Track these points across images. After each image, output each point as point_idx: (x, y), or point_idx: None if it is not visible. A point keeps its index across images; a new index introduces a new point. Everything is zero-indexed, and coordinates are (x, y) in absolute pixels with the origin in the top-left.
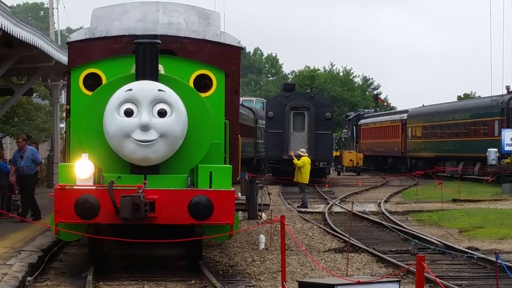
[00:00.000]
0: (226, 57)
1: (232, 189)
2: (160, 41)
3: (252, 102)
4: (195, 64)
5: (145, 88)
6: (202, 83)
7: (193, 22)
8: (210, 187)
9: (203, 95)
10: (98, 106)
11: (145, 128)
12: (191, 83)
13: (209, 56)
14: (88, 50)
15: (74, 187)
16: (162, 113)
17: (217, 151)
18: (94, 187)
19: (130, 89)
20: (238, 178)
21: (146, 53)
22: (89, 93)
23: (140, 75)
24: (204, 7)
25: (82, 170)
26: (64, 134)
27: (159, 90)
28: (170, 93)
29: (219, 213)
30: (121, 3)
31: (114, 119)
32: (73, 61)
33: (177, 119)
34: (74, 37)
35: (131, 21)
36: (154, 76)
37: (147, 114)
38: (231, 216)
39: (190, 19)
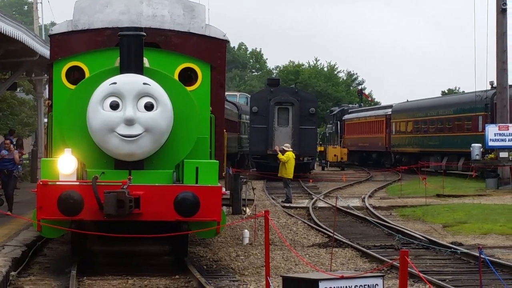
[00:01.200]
0: (211, 50)
1: (219, 185)
2: (145, 34)
3: (235, 97)
4: (180, 57)
5: (130, 81)
6: (187, 77)
7: (178, 14)
8: (196, 183)
9: (188, 88)
10: (82, 100)
11: (129, 122)
12: (176, 77)
13: (194, 49)
14: (71, 42)
15: (57, 183)
16: (147, 107)
17: (202, 146)
18: (77, 183)
19: (115, 83)
20: (223, 173)
21: (130, 46)
22: (72, 86)
23: (124, 68)
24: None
25: (65, 165)
26: (46, 129)
27: (144, 83)
28: (155, 87)
29: (206, 209)
30: None
31: (98, 113)
32: (55, 54)
33: (162, 113)
34: (56, 29)
35: (115, 13)
36: (139, 69)
37: (132, 108)
38: (218, 212)
39: (174, 12)
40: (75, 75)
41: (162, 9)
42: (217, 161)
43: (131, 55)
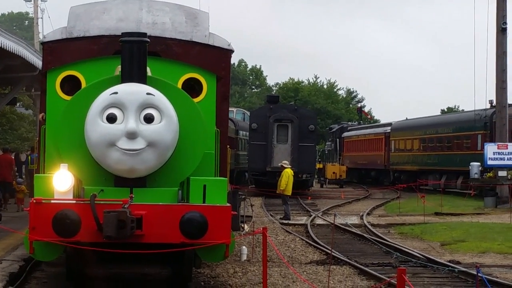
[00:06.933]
0: (215, 61)
1: (228, 204)
2: (149, 40)
3: (232, 113)
4: (184, 66)
5: (132, 91)
6: (191, 88)
7: (180, 22)
8: (204, 202)
9: None
10: (79, 112)
11: (131, 135)
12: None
13: (196, 58)
14: (65, 51)
15: (52, 201)
16: (150, 119)
17: (208, 162)
18: (74, 202)
19: (115, 93)
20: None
21: (133, 53)
22: (67, 97)
23: (126, 77)
24: None
25: (61, 182)
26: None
27: (148, 93)
28: (160, 97)
29: (214, 231)
30: (102, 0)
31: (97, 125)
32: (48, 63)
33: (167, 126)
34: (49, 37)
35: (112, 20)
36: (142, 78)
37: (134, 120)
38: (227, 234)
39: (176, 19)
40: (70, 85)
41: (163, 16)
42: (226, 179)
43: (134, 63)
